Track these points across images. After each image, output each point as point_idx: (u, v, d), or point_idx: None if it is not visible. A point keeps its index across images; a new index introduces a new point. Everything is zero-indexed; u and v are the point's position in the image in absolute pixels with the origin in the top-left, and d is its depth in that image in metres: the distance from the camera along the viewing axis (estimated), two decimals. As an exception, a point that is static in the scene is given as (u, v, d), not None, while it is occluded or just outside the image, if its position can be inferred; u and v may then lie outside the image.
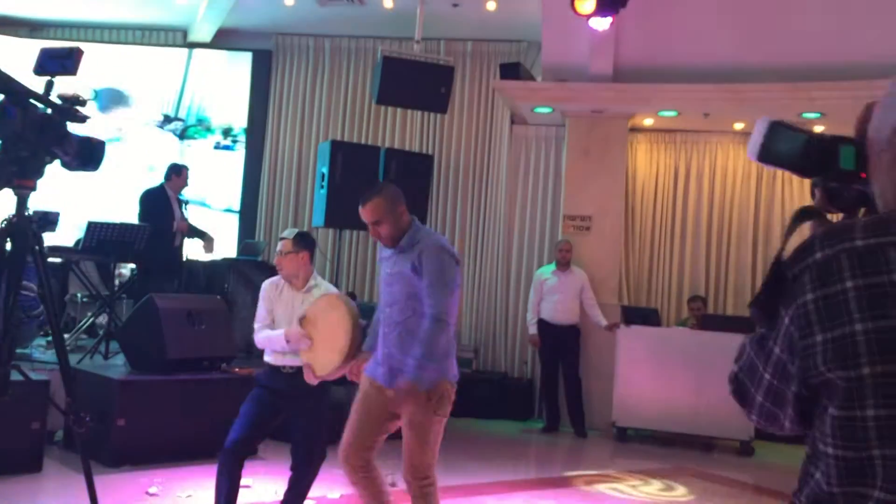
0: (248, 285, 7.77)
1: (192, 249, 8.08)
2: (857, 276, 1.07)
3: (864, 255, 1.08)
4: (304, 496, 4.17)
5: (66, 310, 8.26)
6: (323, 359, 3.73)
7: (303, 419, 4.11)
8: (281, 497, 4.23)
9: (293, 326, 3.96)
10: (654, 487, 6.14)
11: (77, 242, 7.53)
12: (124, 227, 7.22)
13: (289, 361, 4.04)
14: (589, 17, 7.12)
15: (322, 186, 7.90)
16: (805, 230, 1.25)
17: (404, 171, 7.62)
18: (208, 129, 10.44)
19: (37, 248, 3.44)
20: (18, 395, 4.75)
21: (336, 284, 6.37)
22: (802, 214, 1.29)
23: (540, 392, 8.61)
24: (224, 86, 10.43)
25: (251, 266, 8.35)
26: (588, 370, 8.26)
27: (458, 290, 3.61)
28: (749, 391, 1.25)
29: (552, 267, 8.34)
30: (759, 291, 1.20)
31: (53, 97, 3.32)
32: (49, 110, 3.29)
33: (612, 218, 8.65)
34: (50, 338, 7.37)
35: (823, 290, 1.10)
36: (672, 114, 8.57)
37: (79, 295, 8.17)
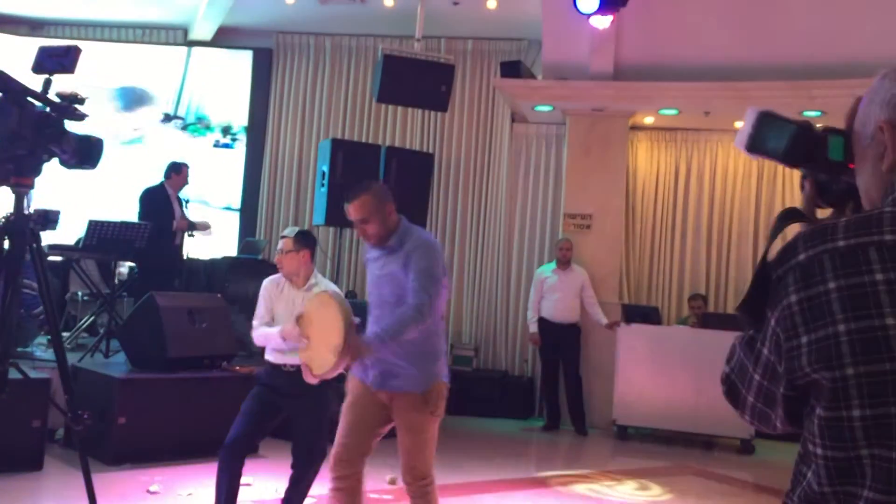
0: (248, 283, 7.77)
1: (193, 248, 8.08)
2: (839, 277, 1.07)
3: (845, 255, 1.08)
4: (304, 494, 4.18)
5: (66, 308, 8.27)
6: (320, 358, 3.72)
7: (303, 417, 4.11)
8: (281, 495, 4.23)
9: (289, 324, 3.97)
10: (655, 489, 6.15)
11: (78, 241, 7.54)
12: (125, 226, 7.23)
13: (290, 360, 4.04)
14: (591, 14, 7.12)
15: (323, 185, 7.91)
16: (793, 228, 1.24)
17: (405, 169, 7.63)
18: (207, 128, 10.44)
19: (35, 246, 3.44)
20: (19, 394, 4.77)
21: (336, 283, 6.37)
22: (787, 216, 1.29)
23: (540, 390, 8.61)
24: (223, 84, 10.43)
25: (252, 264, 8.35)
26: (588, 368, 8.26)
27: (444, 291, 3.54)
28: (740, 392, 1.25)
29: (553, 265, 8.34)
30: (746, 294, 1.20)
31: (52, 95, 3.32)
32: (47, 108, 3.29)
33: (612, 216, 8.65)
34: (50, 336, 7.38)
35: (807, 292, 1.10)
36: (673, 112, 8.57)
37: (79, 293, 8.17)
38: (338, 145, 7.80)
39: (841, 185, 1.31)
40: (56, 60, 3.37)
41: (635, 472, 6.61)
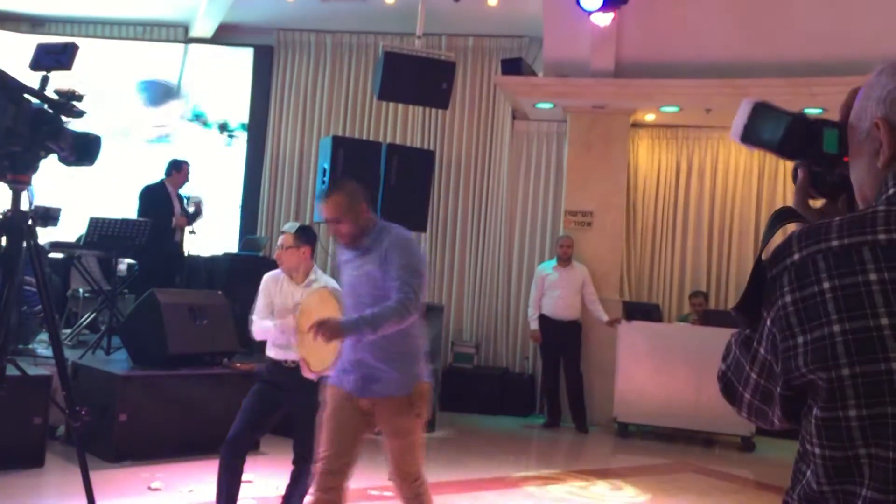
0: (249, 281, 7.77)
1: (194, 245, 8.09)
2: (833, 278, 1.07)
3: (839, 255, 1.08)
4: (305, 491, 4.18)
5: (67, 305, 8.28)
6: (318, 354, 3.72)
7: (304, 413, 4.11)
8: (282, 492, 4.24)
9: (287, 319, 3.97)
10: (654, 481, 6.16)
11: (79, 238, 7.54)
12: (126, 223, 7.24)
13: (291, 356, 4.04)
14: (594, 12, 7.13)
15: (323, 182, 7.88)
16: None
17: (406, 166, 7.61)
18: (205, 124, 10.44)
19: (32, 243, 3.44)
20: (20, 391, 4.79)
21: (337, 279, 6.36)
22: (781, 216, 1.28)
23: (541, 388, 8.62)
24: (223, 81, 10.43)
25: (252, 261, 8.35)
26: (589, 366, 8.27)
27: (423, 290, 3.45)
28: (737, 390, 1.25)
29: (553, 262, 8.34)
30: (743, 295, 1.20)
31: (49, 92, 3.32)
32: (45, 105, 3.29)
33: (613, 214, 8.65)
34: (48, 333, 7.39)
35: (801, 293, 1.09)
36: (674, 109, 8.57)
37: (81, 290, 8.18)
38: (338, 143, 7.78)
39: (835, 176, 1.31)
40: (54, 57, 3.37)
41: (635, 469, 6.63)
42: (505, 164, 9.48)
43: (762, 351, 1.18)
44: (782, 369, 1.13)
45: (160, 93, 10.30)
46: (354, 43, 10.15)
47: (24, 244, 3.40)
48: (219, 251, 8.99)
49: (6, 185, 3.34)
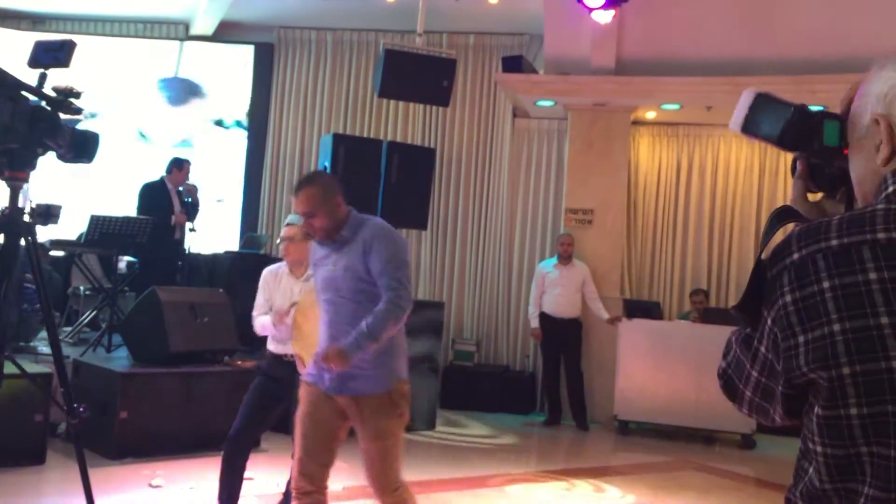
0: (250, 278, 7.77)
1: (195, 242, 8.09)
2: (833, 277, 1.07)
3: (838, 254, 1.08)
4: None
5: (68, 303, 8.28)
6: (312, 350, 3.71)
7: None
8: (283, 489, 4.24)
9: (278, 308, 3.99)
10: (655, 478, 6.16)
11: (80, 236, 7.55)
12: (127, 221, 7.24)
13: (291, 350, 4.04)
14: (596, 9, 7.12)
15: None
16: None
17: (406, 164, 7.61)
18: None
19: (30, 240, 3.44)
20: (22, 388, 4.79)
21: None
22: (781, 215, 1.28)
23: (542, 385, 8.62)
24: (222, 78, 10.43)
25: (253, 259, 8.35)
26: (590, 363, 8.27)
27: (410, 279, 3.36)
28: (738, 387, 1.25)
29: (554, 260, 8.34)
30: (743, 294, 1.19)
31: (47, 89, 3.32)
32: (42, 102, 3.29)
33: (614, 211, 8.65)
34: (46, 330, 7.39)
35: (801, 292, 1.09)
36: (674, 107, 8.56)
37: (81, 288, 8.18)
38: (339, 140, 7.78)
39: (833, 169, 1.31)
40: (51, 55, 3.37)
41: (636, 467, 6.63)
42: (505, 161, 9.47)
43: (763, 349, 1.17)
44: (783, 368, 1.13)
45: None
46: (355, 40, 10.15)
47: (23, 242, 3.40)
48: (220, 249, 8.99)
49: (4, 182, 3.34)
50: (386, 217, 7.80)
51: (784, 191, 8.84)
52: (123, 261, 8.00)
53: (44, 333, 6.88)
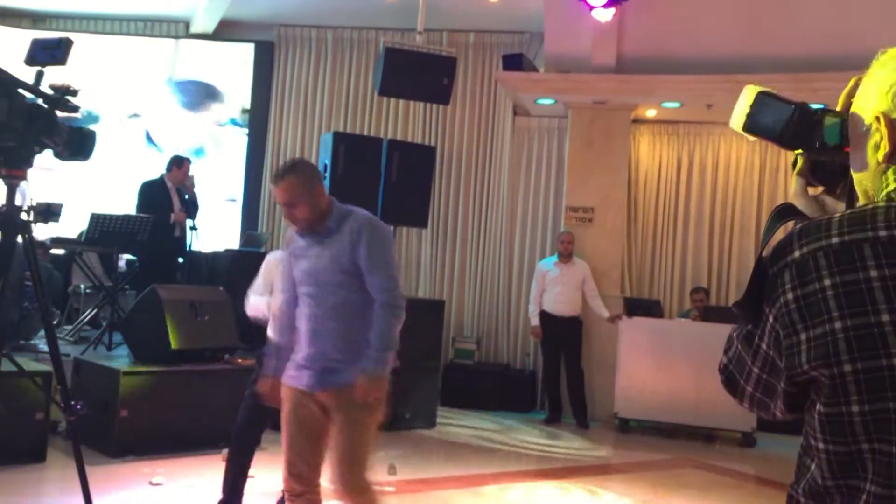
0: (250, 277, 7.76)
1: (196, 240, 8.09)
2: (834, 275, 1.07)
3: (839, 252, 1.08)
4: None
5: (69, 301, 8.29)
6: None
7: None
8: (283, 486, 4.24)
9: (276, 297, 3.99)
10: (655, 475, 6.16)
11: (80, 234, 7.55)
12: (127, 219, 7.24)
13: None
14: (597, 7, 7.12)
15: (324, 178, 7.88)
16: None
17: (407, 162, 7.61)
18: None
19: (27, 237, 3.44)
20: (22, 386, 4.79)
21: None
22: (782, 213, 1.28)
23: (542, 383, 8.62)
24: (218, 76, 10.43)
25: (254, 257, 8.35)
26: (590, 362, 8.27)
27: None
28: (739, 382, 1.25)
29: (554, 258, 8.34)
30: (745, 292, 1.19)
31: (44, 87, 3.32)
32: (39, 100, 3.29)
33: (614, 209, 8.65)
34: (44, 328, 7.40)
35: (803, 290, 1.10)
36: (675, 105, 8.56)
37: (82, 286, 8.19)
38: (339, 138, 7.78)
39: (835, 165, 1.31)
40: (48, 52, 3.38)
41: (636, 465, 6.63)
42: (506, 159, 9.47)
43: (764, 346, 1.18)
44: (786, 365, 1.13)
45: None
46: (355, 38, 10.14)
47: (20, 239, 3.40)
48: (220, 247, 9.00)
49: (1, 180, 3.34)
50: (386, 215, 7.84)
51: (784, 189, 8.83)
52: (123, 259, 8.01)
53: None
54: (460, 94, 9.50)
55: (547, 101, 8.80)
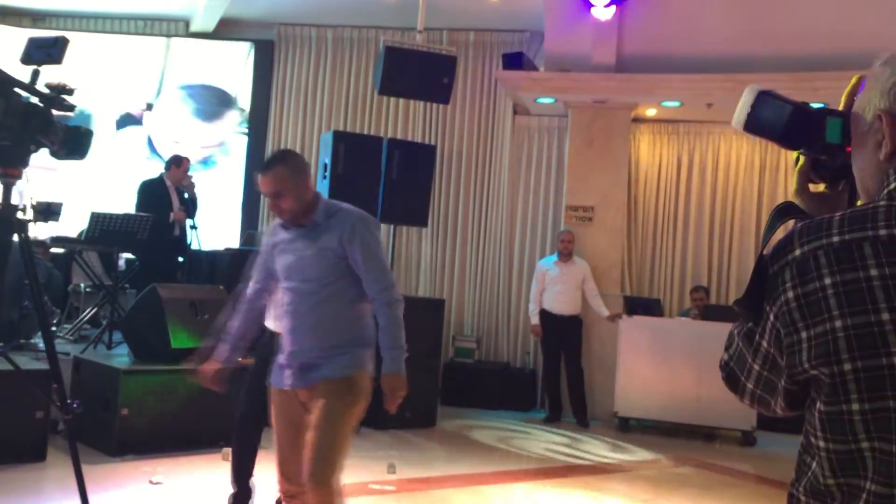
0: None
1: (196, 239, 8.10)
2: (835, 273, 1.07)
3: (839, 251, 1.08)
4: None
5: (69, 300, 8.29)
6: None
7: None
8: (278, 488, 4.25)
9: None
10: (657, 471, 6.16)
11: (80, 233, 7.55)
12: (127, 218, 7.25)
13: None
14: (598, 5, 7.13)
15: (324, 177, 7.89)
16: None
17: (407, 161, 7.61)
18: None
19: (23, 236, 3.44)
20: (22, 385, 4.79)
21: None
22: (783, 212, 1.28)
23: (542, 382, 8.62)
24: (218, 75, 10.43)
25: (254, 256, 8.34)
26: (590, 360, 8.27)
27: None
28: (740, 379, 1.26)
29: (554, 257, 8.34)
30: (746, 290, 1.20)
31: (40, 86, 3.32)
32: (35, 99, 3.29)
33: (614, 208, 8.65)
34: (54, 328, 7.41)
35: (803, 288, 1.10)
36: (675, 104, 8.56)
37: (82, 285, 8.19)
38: (340, 137, 7.79)
39: (836, 163, 1.31)
40: (44, 51, 3.38)
41: (636, 464, 6.63)
42: (506, 158, 9.47)
43: (765, 344, 1.18)
44: (786, 364, 1.13)
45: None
46: (355, 37, 10.14)
47: (19, 238, 3.40)
48: (220, 246, 9.00)
49: None
50: (386, 214, 7.85)
51: (784, 188, 8.84)
52: (122, 258, 8.01)
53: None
54: (460, 94, 9.50)
55: (547, 100, 8.80)
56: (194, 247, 8.11)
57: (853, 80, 1.26)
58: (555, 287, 8.15)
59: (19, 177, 3.34)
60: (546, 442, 7.51)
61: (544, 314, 8.16)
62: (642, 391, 7.75)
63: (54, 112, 3.31)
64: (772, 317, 1.15)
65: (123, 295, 7.65)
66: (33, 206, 7.19)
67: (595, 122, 8.67)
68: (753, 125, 1.33)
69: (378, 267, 3.16)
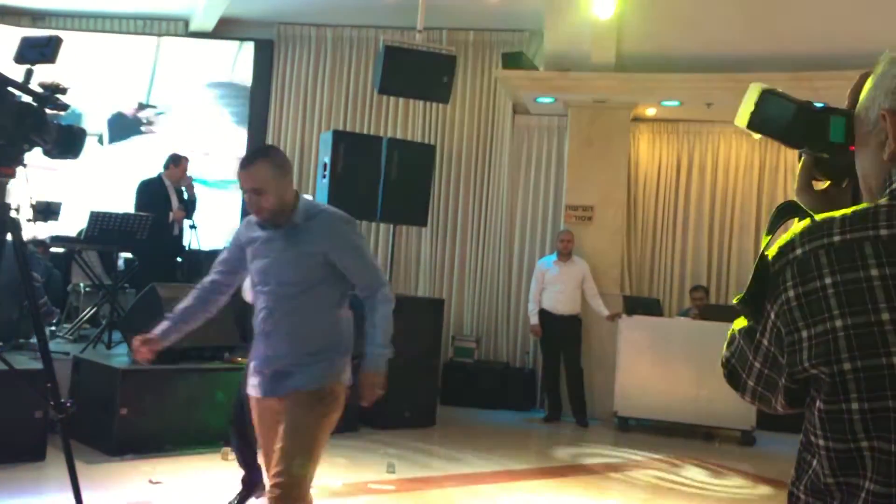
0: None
1: (195, 238, 8.10)
2: (835, 273, 1.07)
3: (840, 250, 1.08)
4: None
5: (68, 299, 8.29)
6: None
7: None
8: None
9: None
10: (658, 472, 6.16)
11: (80, 232, 7.56)
12: (126, 217, 7.24)
13: None
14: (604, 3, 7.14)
15: (324, 176, 7.90)
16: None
17: (406, 161, 7.61)
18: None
19: (17, 235, 3.44)
20: (22, 385, 4.79)
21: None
22: (785, 211, 1.28)
23: (542, 382, 8.63)
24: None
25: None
26: (590, 360, 8.27)
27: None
28: (741, 376, 1.26)
29: (554, 257, 8.34)
30: (747, 289, 1.20)
31: (34, 85, 3.32)
32: (28, 98, 3.29)
33: (614, 208, 8.65)
34: (54, 327, 7.41)
35: (804, 287, 1.10)
36: (675, 104, 8.56)
37: (82, 285, 8.19)
38: (339, 137, 7.79)
39: (840, 161, 1.30)
40: (38, 51, 3.38)
41: (635, 463, 6.63)
42: (506, 158, 9.47)
43: (766, 342, 1.18)
44: (787, 363, 1.13)
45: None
46: (355, 37, 10.14)
47: (15, 238, 3.40)
48: (219, 245, 8.99)
49: None
50: (386, 213, 7.85)
51: (784, 187, 8.84)
52: (121, 258, 8.02)
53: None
54: (460, 93, 9.50)
55: (547, 100, 8.80)
56: (193, 246, 8.11)
57: (857, 79, 1.26)
58: (554, 287, 8.15)
59: (13, 176, 3.33)
60: (546, 442, 7.52)
61: (544, 314, 8.16)
62: (642, 391, 7.75)
63: (47, 111, 3.31)
64: (773, 315, 1.15)
65: (123, 294, 7.65)
66: (33, 206, 7.19)
67: (595, 121, 8.67)
68: (757, 123, 1.33)
69: (369, 265, 3.13)
